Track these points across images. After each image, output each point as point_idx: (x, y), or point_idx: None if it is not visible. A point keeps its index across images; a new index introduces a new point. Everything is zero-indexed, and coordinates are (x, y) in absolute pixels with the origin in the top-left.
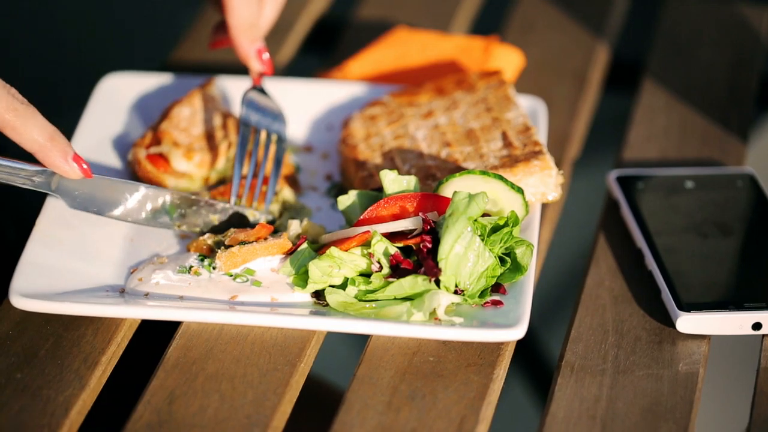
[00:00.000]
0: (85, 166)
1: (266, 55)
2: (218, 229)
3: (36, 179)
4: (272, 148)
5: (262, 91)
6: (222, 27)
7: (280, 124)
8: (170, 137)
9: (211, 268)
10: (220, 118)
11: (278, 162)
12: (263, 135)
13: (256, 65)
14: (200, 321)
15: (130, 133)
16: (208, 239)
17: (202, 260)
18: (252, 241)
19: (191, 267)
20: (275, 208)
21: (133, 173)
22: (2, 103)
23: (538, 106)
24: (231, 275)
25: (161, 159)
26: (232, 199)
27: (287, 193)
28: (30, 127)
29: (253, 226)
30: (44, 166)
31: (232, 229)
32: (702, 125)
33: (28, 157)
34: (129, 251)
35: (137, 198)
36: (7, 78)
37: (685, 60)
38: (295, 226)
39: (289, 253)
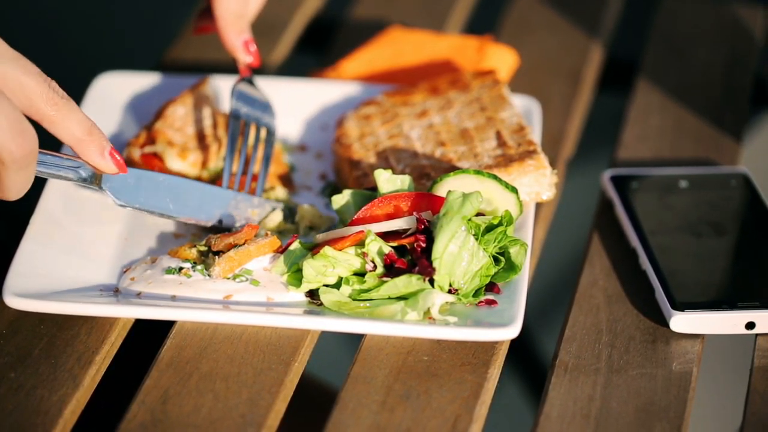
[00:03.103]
0: (120, 159)
1: (253, 47)
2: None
3: (82, 173)
4: (261, 143)
5: (250, 82)
6: (207, 13)
7: (270, 117)
8: (164, 137)
9: (207, 274)
10: (214, 118)
11: (267, 156)
12: (253, 129)
13: (243, 57)
14: (194, 320)
15: (124, 133)
16: (191, 248)
17: (193, 265)
18: (242, 243)
19: (181, 268)
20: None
21: None
22: (42, 97)
23: (533, 105)
24: (227, 276)
25: (156, 158)
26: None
27: (281, 193)
28: (68, 121)
29: (228, 229)
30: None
31: (211, 236)
32: (696, 125)
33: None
34: (123, 250)
35: (177, 193)
36: None
37: (680, 59)
38: (274, 217)
39: (281, 251)
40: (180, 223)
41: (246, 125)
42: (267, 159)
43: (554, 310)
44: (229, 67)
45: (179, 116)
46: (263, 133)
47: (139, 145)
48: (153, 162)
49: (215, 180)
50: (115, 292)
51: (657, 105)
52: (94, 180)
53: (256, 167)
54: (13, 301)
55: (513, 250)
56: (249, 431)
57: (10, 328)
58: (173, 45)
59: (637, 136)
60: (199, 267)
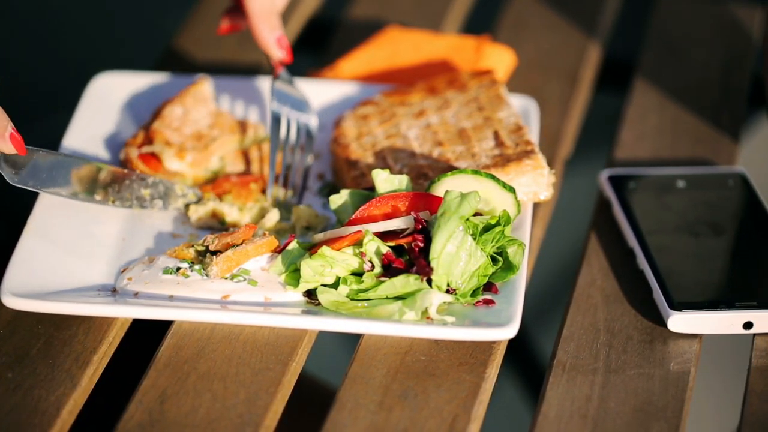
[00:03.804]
0: (19, 140)
1: (285, 43)
2: (145, 203)
3: None
4: (302, 142)
5: (285, 79)
6: (234, 12)
7: (308, 115)
8: (162, 136)
9: (204, 274)
10: (212, 117)
11: (308, 155)
12: (294, 128)
13: (276, 53)
14: (192, 320)
15: (121, 133)
16: (189, 248)
17: (191, 265)
18: (240, 243)
19: (179, 268)
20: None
21: None
22: None
23: (530, 105)
24: (224, 276)
25: (153, 158)
26: (269, 192)
27: (278, 192)
28: None
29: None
30: None
31: (210, 235)
32: (694, 125)
33: None
34: (121, 250)
35: (73, 173)
36: None
37: (677, 59)
38: (272, 217)
39: (278, 251)
40: (178, 223)
41: (288, 126)
42: (308, 156)
43: (552, 310)
44: (226, 66)
45: (177, 116)
46: (303, 130)
47: (136, 145)
48: (151, 162)
49: (214, 180)
50: (112, 292)
51: (655, 105)
52: None
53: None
54: (10, 301)
55: (511, 250)
56: (247, 431)
57: (7, 328)
58: (170, 45)
59: (634, 136)
60: (196, 267)
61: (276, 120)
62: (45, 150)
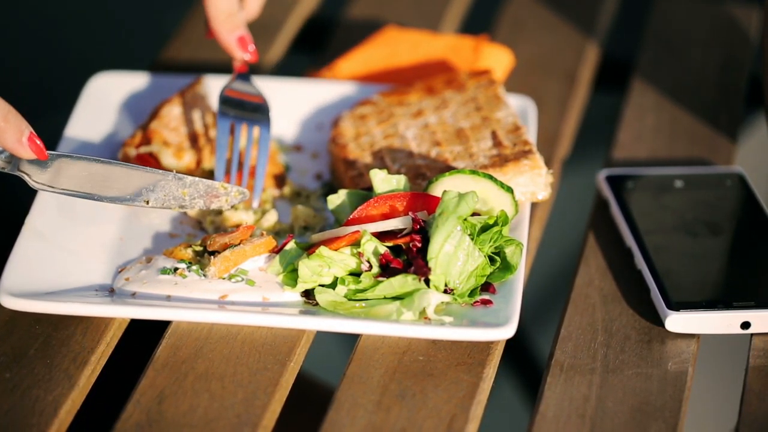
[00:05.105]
0: (39, 144)
1: (251, 46)
2: (185, 204)
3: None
4: (255, 141)
5: (245, 78)
6: None
7: (263, 114)
8: (160, 136)
9: (202, 274)
10: (209, 117)
11: (263, 153)
12: (244, 131)
13: (237, 53)
14: (190, 320)
15: (119, 133)
16: (186, 248)
17: (188, 265)
18: (238, 244)
19: (176, 269)
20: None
21: None
22: None
23: (528, 105)
24: (222, 276)
25: (151, 158)
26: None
27: (276, 193)
28: None
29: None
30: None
31: (207, 235)
32: (691, 125)
33: None
34: (119, 250)
35: (100, 175)
36: None
37: (675, 59)
38: (270, 218)
39: (276, 251)
40: (176, 223)
41: (236, 128)
42: (263, 155)
43: (550, 310)
44: (223, 66)
45: (174, 116)
46: (255, 134)
47: (134, 145)
48: (149, 162)
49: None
50: (110, 292)
51: (652, 105)
52: (12, 164)
53: (251, 172)
54: (8, 301)
55: (508, 250)
56: (245, 431)
57: (5, 328)
58: (168, 45)
59: (632, 136)
60: (194, 267)
61: (223, 123)
62: (68, 153)
